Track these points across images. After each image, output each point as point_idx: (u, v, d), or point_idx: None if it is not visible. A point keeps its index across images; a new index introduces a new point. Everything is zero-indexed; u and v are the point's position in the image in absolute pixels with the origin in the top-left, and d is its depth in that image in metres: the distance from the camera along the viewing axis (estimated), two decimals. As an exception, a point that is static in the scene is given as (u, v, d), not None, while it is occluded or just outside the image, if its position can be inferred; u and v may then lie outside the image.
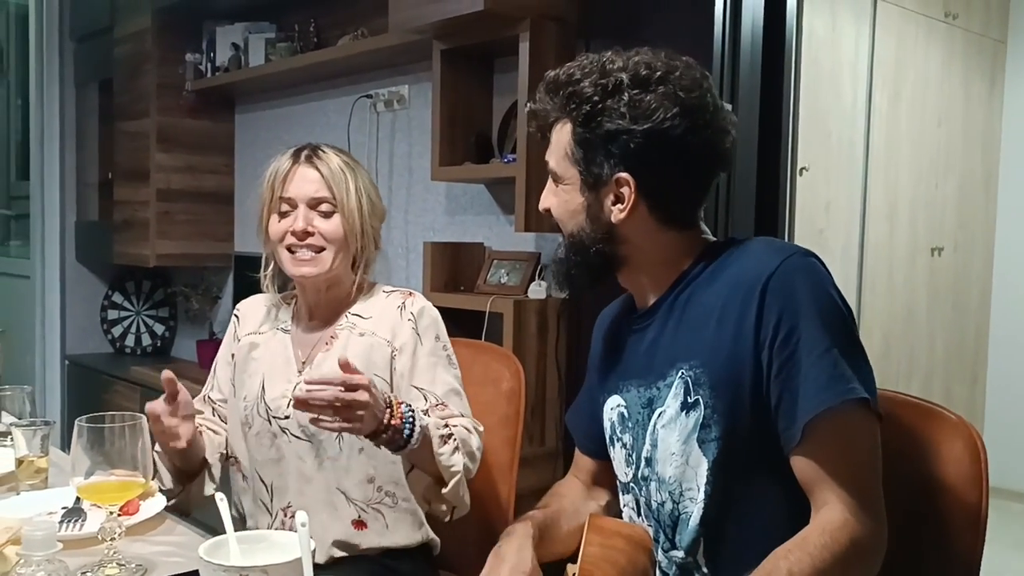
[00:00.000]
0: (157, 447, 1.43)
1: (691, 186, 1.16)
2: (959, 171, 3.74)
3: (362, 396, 1.25)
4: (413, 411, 1.33)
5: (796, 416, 1.03)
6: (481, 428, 1.48)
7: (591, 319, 1.37)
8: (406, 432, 1.31)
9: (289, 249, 1.50)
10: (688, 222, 1.18)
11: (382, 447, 1.34)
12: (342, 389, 1.24)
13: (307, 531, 1.00)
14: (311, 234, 1.48)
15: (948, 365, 3.76)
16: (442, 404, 1.48)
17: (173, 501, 1.49)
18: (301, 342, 1.57)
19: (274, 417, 1.50)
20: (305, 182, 1.49)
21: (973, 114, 3.79)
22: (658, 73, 1.11)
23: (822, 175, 2.99)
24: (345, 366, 1.27)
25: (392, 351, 1.51)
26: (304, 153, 1.51)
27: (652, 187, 1.12)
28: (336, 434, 1.44)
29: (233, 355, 1.61)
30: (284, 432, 1.49)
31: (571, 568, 1.12)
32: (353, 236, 1.50)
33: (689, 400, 1.10)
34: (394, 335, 1.51)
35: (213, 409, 1.63)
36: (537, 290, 2.47)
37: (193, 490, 1.51)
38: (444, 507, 1.44)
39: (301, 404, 1.25)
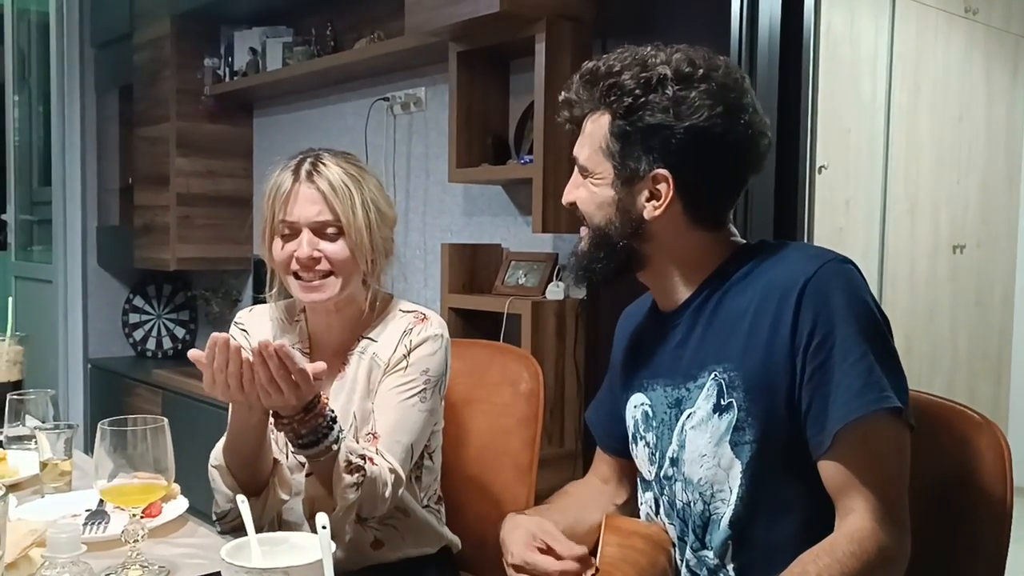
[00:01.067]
0: (218, 460, 1.36)
1: (727, 186, 1.15)
2: (981, 167, 3.69)
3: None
4: (336, 420, 1.26)
5: (827, 423, 1.02)
6: (402, 486, 1.37)
7: (609, 319, 1.36)
8: (323, 425, 1.23)
9: (296, 275, 1.41)
10: (719, 223, 1.17)
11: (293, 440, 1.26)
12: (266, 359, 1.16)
13: (327, 533, 1.00)
14: (317, 260, 1.39)
15: (971, 364, 3.72)
16: (375, 436, 1.39)
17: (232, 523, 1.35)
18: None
19: (293, 452, 1.44)
20: (307, 204, 1.38)
21: (995, 109, 3.74)
22: (701, 70, 1.09)
23: (841, 173, 2.96)
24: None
25: (383, 371, 1.45)
26: (304, 169, 1.40)
27: (689, 185, 1.11)
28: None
29: None
30: (304, 466, 1.43)
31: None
32: (362, 254, 1.41)
33: (722, 403, 1.09)
34: (390, 356, 1.44)
35: None
36: (555, 291, 2.47)
37: (270, 499, 1.39)
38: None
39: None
